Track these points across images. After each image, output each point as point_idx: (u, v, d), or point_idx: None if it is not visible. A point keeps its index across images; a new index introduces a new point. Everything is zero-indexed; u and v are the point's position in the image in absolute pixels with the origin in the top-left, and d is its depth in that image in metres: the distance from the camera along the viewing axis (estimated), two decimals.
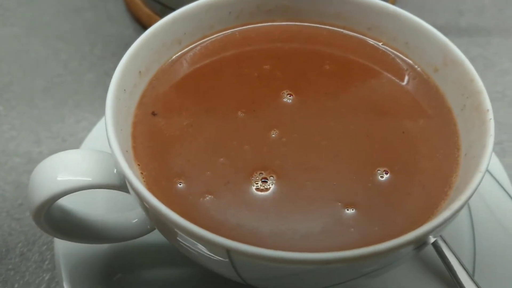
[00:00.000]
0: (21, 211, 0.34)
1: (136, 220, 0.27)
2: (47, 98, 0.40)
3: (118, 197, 0.26)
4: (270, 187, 0.23)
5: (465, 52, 0.45)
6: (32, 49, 0.44)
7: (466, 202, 0.21)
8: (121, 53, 0.50)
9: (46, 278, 0.31)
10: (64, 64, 0.43)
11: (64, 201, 0.25)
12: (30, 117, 0.39)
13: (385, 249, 0.19)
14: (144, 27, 0.46)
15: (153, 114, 0.26)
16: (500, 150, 0.38)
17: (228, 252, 0.19)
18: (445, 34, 0.46)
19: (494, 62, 0.44)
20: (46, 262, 0.32)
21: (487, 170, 0.32)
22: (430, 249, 0.28)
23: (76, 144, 0.38)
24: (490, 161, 0.33)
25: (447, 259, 0.27)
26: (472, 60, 0.44)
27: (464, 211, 0.30)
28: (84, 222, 0.26)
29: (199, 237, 0.19)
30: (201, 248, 0.20)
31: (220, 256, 0.20)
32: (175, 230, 0.20)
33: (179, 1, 0.42)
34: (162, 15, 0.45)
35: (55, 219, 0.24)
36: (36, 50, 0.44)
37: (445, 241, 0.27)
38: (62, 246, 0.28)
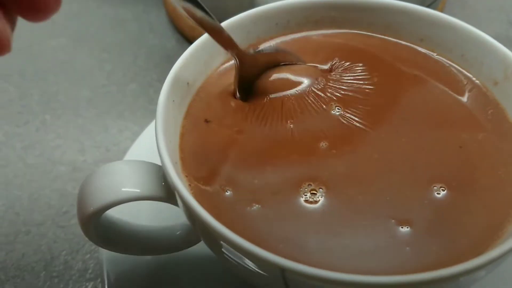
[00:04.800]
0: (66, 219, 0.34)
1: (180, 232, 0.26)
2: (91, 107, 0.41)
3: (161, 208, 0.25)
4: (319, 200, 0.23)
5: None
6: (78, 60, 0.45)
7: None
8: (163, 64, 0.50)
9: (89, 287, 0.31)
10: (108, 75, 0.44)
11: (111, 212, 0.25)
12: (75, 126, 0.40)
13: (453, 274, 0.17)
14: (187, 38, 0.46)
15: (206, 121, 0.26)
16: None
17: (283, 271, 0.18)
18: None
19: None
20: (89, 271, 0.32)
21: None
22: None
23: (119, 153, 0.38)
24: None
25: None
26: None
27: None
28: (129, 233, 0.26)
29: (251, 253, 0.19)
30: (250, 264, 0.20)
31: (271, 274, 0.19)
32: (224, 244, 0.20)
33: (222, 14, 0.42)
34: None
35: (103, 229, 0.24)
36: (82, 61, 0.45)
37: None
38: (107, 257, 0.28)
